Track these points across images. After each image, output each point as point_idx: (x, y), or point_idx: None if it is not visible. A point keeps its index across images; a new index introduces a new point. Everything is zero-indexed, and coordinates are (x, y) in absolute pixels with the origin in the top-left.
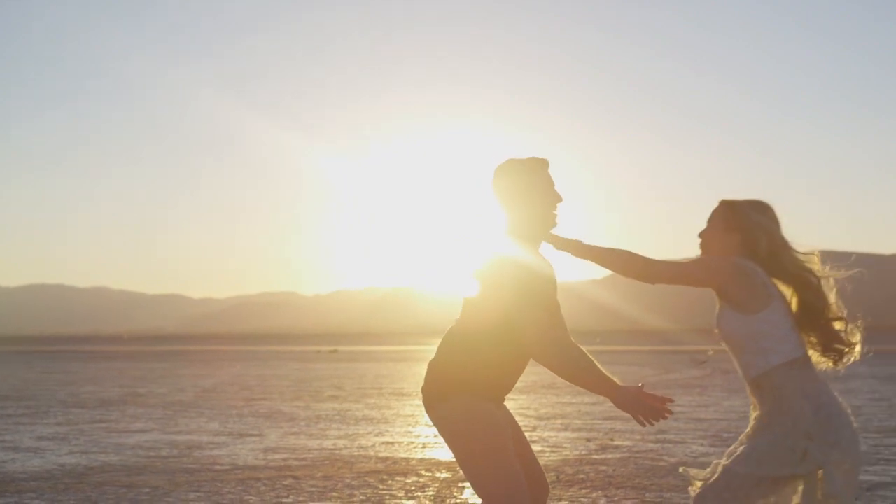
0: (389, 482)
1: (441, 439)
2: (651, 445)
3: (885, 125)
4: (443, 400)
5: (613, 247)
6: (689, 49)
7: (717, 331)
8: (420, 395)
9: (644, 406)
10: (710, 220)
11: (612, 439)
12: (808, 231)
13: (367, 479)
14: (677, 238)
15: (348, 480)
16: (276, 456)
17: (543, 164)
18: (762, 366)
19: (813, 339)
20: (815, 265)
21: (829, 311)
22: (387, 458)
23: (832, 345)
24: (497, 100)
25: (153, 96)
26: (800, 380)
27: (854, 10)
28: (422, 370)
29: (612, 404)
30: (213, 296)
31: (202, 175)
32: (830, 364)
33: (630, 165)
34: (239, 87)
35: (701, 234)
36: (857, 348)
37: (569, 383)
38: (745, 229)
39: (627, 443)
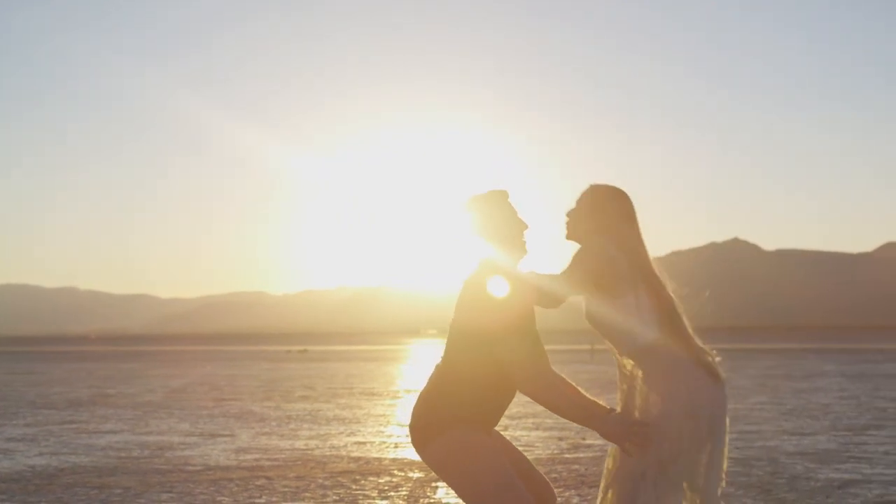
0: (362, 482)
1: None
2: None
3: (856, 126)
4: (432, 438)
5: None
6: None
7: (585, 316)
8: (409, 433)
9: (631, 434)
10: (579, 202)
11: (583, 438)
12: (781, 230)
13: (339, 479)
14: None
15: (321, 480)
16: (248, 456)
17: (503, 195)
18: (629, 347)
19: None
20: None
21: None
22: (359, 458)
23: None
24: (476, 100)
25: (121, 97)
26: (663, 363)
27: (818, 11)
28: (392, 370)
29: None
30: (181, 296)
31: (170, 175)
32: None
33: (608, 165)
34: (208, 87)
35: (568, 214)
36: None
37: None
38: (609, 215)
39: (599, 442)
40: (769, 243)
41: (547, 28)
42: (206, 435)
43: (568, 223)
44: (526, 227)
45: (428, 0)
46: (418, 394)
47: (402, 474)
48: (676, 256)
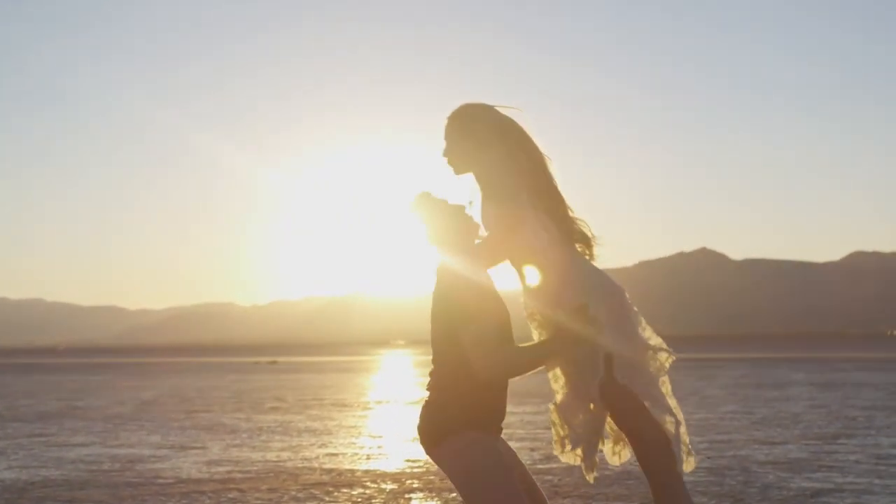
0: (336, 494)
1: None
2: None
3: (822, 136)
4: (443, 439)
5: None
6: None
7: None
8: (418, 437)
9: (577, 320)
10: (447, 138)
11: None
12: (748, 240)
13: (312, 490)
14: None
15: (294, 493)
16: (220, 468)
17: (426, 197)
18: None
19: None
20: None
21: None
22: (332, 470)
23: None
24: (441, 106)
25: (90, 109)
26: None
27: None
28: (362, 381)
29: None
30: (149, 307)
31: (138, 186)
32: None
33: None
34: (178, 100)
35: (445, 154)
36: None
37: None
38: (480, 135)
39: None
40: (737, 253)
41: (510, 41)
42: (177, 447)
43: (450, 162)
44: (463, 206)
45: (414, 6)
46: (424, 399)
47: (376, 486)
48: (644, 266)
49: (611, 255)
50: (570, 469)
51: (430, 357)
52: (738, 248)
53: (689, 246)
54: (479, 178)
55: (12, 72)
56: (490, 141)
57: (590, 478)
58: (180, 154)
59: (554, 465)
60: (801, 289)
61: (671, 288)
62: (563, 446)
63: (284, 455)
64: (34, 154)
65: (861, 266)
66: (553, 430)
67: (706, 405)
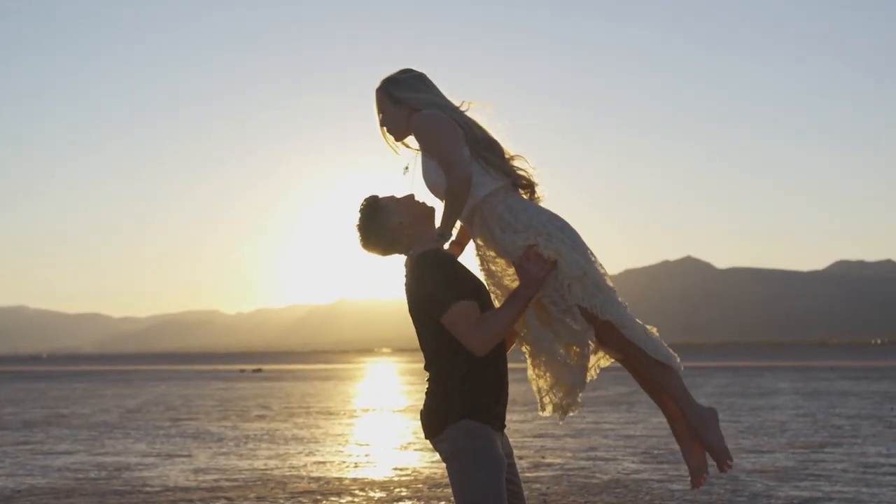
0: (324, 502)
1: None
2: (583, 463)
3: (807, 145)
4: (443, 427)
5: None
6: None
7: (425, 182)
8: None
9: (531, 258)
10: (379, 111)
11: (543, 457)
12: (733, 248)
13: (300, 499)
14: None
15: (282, 501)
16: (208, 477)
17: (376, 201)
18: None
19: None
20: None
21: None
22: (319, 478)
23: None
24: None
25: (74, 115)
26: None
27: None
28: (348, 389)
29: (542, 422)
30: (133, 315)
31: (123, 194)
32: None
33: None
34: (164, 107)
35: (382, 124)
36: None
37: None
38: (404, 99)
39: (559, 460)
40: (721, 261)
41: (497, 44)
42: (164, 455)
43: (389, 130)
44: (432, 209)
45: (412, 14)
46: (426, 390)
47: (364, 494)
48: (630, 274)
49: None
50: (558, 477)
51: (423, 360)
52: (722, 256)
53: (674, 254)
54: (413, 132)
55: None
56: (420, 102)
57: (578, 405)
58: (167, 162)
59: (541, 474)
60: (785, 297)
61: (656, 296)
62: (551, 395)
63: (272, 463)
64: (18, 162)
65: (845, 275)
66: (533, 385)
67: None
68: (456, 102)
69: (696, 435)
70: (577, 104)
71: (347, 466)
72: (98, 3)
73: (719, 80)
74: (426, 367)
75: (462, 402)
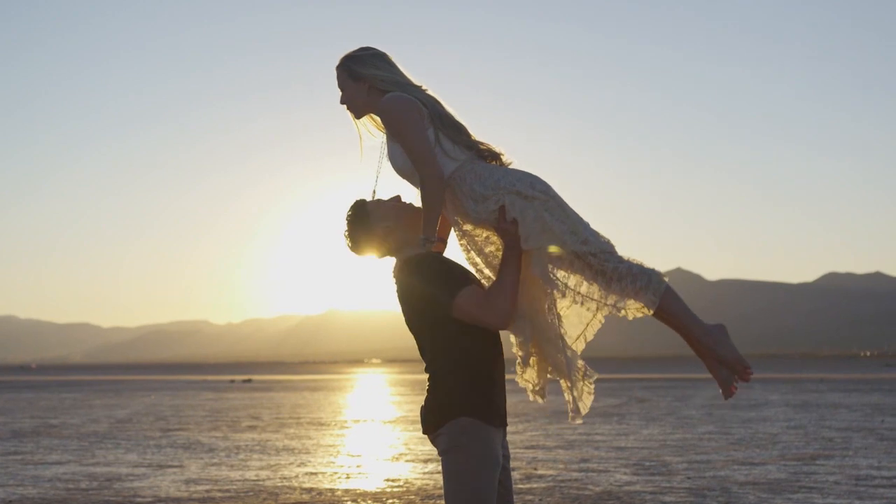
0: None
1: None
2: (575, 475)
3: (797, 158)
4: (442, 424)
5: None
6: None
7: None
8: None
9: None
10: (342, 88)
11: (535, 468)
12: (724, 260)
13: None
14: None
15: None
16: (199, 487)
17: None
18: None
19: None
20: None
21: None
22: (311, 489)
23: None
24: None
25: (63, 125)
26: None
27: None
28: (338, 400)
29: (533, 433)
30: (123, 324)
31: (113, 203)
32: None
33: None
34: (152, 117)
35: (342, 102)
36: None
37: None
38: (364, 80)
39: (551, 472)
40: (712, 273)
41: (491, 54)
42: (155, 466)
43: (350, 108)
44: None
45: (409, 23)
46: (427, 388)
47: None
48: None
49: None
50: (551, 489)
51: (424, 364)
52: (713, 268)
53: (664, 266)
54: (378, 113)
55: None
56: (380, 79)
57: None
58: (155, 172)
59: (534, 486)
60: (775, 309)
61: None
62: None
63: (263, 474)
64: (8, 172)
65: (835, 287)
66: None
67: (684, 425)
68: (416, 83)
69: (711, 353)
70: (566, 115)
71: (339, 477)
72: (70, 19)
73: (709, 93)
74: (427, 370)
75: (462, 399)
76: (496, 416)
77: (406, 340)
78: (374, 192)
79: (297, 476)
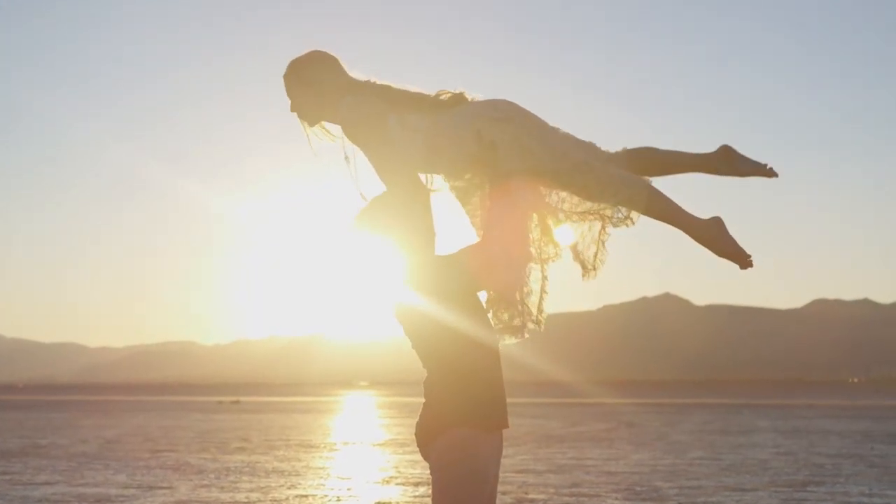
0: None
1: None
2: (566, 499)
3: (786, 183)
4: (435, 438)
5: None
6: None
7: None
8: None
9: None
10: (289, 94)
11: (526, 493)
12: (712, 286)
13: None
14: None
15: None
16: None
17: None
18: None
19: None
20: None
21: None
22: None
23: None
24: None
25: (45, 143)
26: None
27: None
28: (327, 422)
29: (524, 457)
30: (110, 344)
31: (99, 222)
32: None
33: None
34: (137, 135)
35: (293, 110)
36: None
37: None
38: (322, 81)
39: (542, 496)
40: (700, 298)
41: (488, 55)
42: (144, 487)
43: (301, 116)
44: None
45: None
46: (423, 405)
47: None
48: (608, 311)
49: (574, 299)
50: None
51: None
52: (701, 293)
53: (652, 291)
54: (336, 121)
55: None
56: (328, 84)
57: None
58: (141, 190)
59: None
60: (763, 335)
61: (634, 333)
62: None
63: (254, 496)
64: None
65: (823, 313)
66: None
67: (673, 451)
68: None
69: (710, 248)
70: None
71: (330, 500)
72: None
73: (697, 115)
74: (425, 382)
75: (453, 409)
76: (491, 419)
77: (396, 363)
78: (362, 194)
79: (287, 499)
